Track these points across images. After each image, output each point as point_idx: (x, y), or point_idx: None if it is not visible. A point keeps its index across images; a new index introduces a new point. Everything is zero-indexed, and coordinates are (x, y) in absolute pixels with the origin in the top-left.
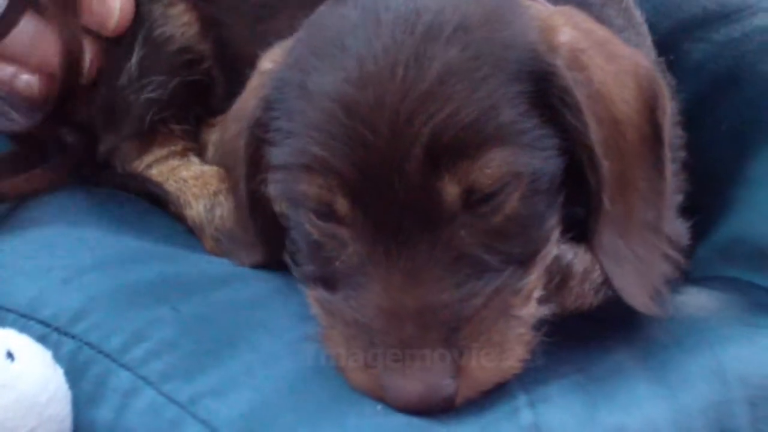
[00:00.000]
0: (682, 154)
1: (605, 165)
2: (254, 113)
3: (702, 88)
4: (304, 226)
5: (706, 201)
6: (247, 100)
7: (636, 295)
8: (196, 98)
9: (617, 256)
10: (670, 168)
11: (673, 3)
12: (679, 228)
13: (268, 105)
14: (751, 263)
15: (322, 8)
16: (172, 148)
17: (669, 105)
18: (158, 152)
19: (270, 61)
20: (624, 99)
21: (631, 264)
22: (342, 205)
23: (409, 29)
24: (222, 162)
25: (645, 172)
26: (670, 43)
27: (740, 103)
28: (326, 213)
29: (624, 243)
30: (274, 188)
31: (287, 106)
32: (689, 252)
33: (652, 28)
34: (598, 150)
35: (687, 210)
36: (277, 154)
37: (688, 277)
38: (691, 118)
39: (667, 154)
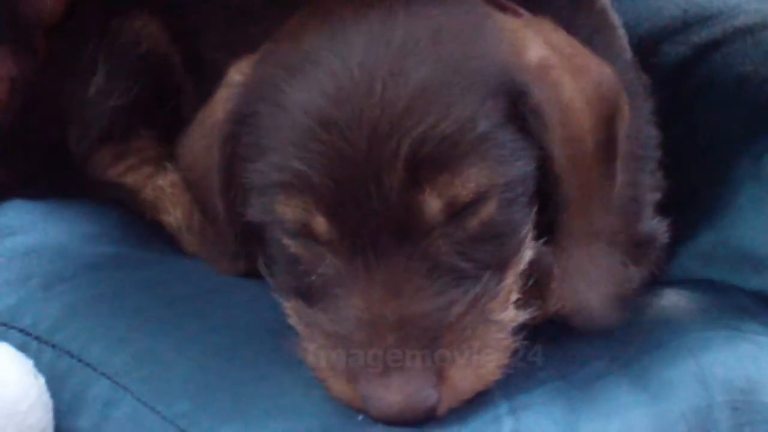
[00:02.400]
0: (657, 153)
1: (569, 178)
2: (226, 127)
3: (683, 91)
4: (281, 241)
5: (688, 203)
6: (215, 113)
7: (592, 304)
8: (164, 105)
9: (575, 265)
10: (620, 177)
11: (653, 6)
12: (655, 227)
13: (238, 119)
14: (733, 266)
15: (290, 21)
16: (146, 155)
17: (627, 115)
18: (132, 159)
19: (239, 73)
20: (588, 115)
21: (589, 273)
22: (320, 223)
23: (383, 44)
24: (186, 175)
25: (600, 182)
26: (650, 45)
27: (721, 104)
28: (304, 231)
29: (583, 252)
30: (251, 209)
31: (260, 121)
32: (669, 253)
33: (632, 30)
34: (563, 164)
35: (666, 211)
36: (253, 171)
37: (669, 280)
38: (672, 120)
39: (619, 162)
